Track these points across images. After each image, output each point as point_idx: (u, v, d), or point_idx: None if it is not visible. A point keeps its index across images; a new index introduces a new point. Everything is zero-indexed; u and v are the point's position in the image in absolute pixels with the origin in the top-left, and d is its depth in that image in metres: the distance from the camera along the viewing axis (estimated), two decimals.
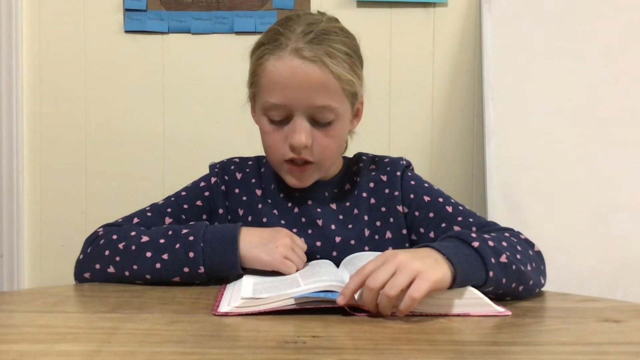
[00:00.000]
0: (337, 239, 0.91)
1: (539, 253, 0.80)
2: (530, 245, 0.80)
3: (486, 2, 1.53)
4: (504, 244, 0.74)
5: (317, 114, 0.85)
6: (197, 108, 1.61)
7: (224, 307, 0.66)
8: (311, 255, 0.86)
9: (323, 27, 0.84)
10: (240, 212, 0.95)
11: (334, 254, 0.90)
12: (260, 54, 0.86)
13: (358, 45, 0.90)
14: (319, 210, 0.93)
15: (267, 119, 0.87)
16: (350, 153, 1.03)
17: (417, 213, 0.91)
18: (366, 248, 0.91)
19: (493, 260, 0.69)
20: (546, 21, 1.49)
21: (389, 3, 1.59)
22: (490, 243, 0.71)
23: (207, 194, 0.95)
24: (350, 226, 0.92)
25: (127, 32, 1.61)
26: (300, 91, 0.83)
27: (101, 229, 0.87)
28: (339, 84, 0.84)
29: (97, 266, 0.82)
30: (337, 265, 0.84)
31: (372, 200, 0.94)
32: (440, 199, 0.92)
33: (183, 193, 0.96)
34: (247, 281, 0.74)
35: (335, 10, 1.56)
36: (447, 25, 1.59)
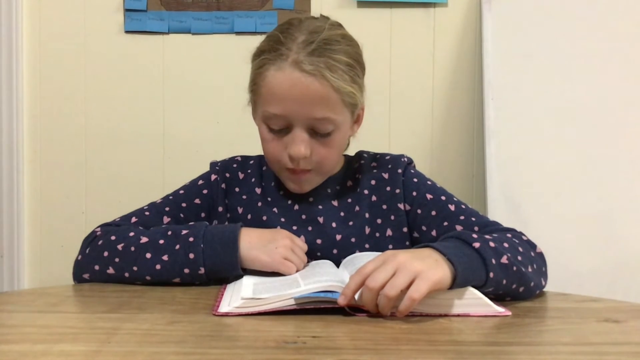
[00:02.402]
0: (338, 237, 0.91)
1: (540, 255, 0.80)
2: (532, 246, 0.80)
3: (486, 2, 1.53)
4: (506, 245, 0.74)
5: (316, 125, 0.85)
6: (197, 108, 1.61)
7: (224, 308, 0.66)
8: (311, 252, 0.86)
9: (325, 35, 0.84)
10: (240, 210, 0.95)
11: (335, 251, 0.90)
12: (260, 62, 0.86)
13: (360, 52, 0.89)
14: (320, 207, 0.93)
15: (266, 127, 0.88)
16: (350, 152, 1.03)
17: (419, 211, 0.91)
18: (366, 245, 0.91)
19: (494, 261, 0.69)
20: (546, 21, 1.49)
21: (389, 3, 1.59)
22: (492, 244, 0.71)
23: (205, 191, 0.95)
24: (351, 223, 0.92)
25: (127, 32, 1.61)
26: (300, 104, 0.83)
27: (99, 229, 0.87)
28: (338, 96, 0.84)
29: (96, 267, 0.82)
30: (338, 263, 0.85)
31: (374, 198, 0.94)
32: (443, 197, 0.91)
33: (181, 192, 0.96)
34: (247, 281, 0.74)
35: (335, 11, 1.58)
36: (447, 25, 1.59)
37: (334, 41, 0.84)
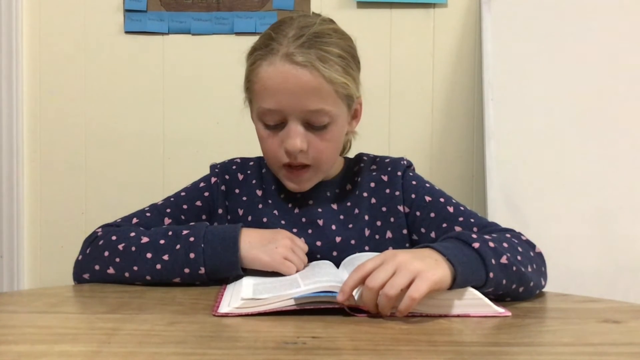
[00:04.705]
0: (338, 239, 0.91)
1: (540, 254, 0.80)
2: (532, 246, 0.80)
3: (486, 2, 1.53)
4: (505, 245, 0.74)
5: (311, 118, 0.85)
6: (197, 108, 1.61)
7: (224, 308, 0.66)
8: (311, 255, 0.86)
9: (316, 29, 0.84)
10: (240, 212, 0.95)
11: (334, 253, 0.90)
12: (253, 59, 0.87)
13: (354, 46, 0.90)
14: (319, 210, 0.93)
15: (262, 124, 0.88)
16: (350, 153, 1.03)
17: (418, 213, 0.91)
18: (366, 248, 0.91)
19: (493, 261, 0.69)
20: (546, 21, 1.49)
21: (389, 3, 1.59)
22: (491, 244, 0.71)
23: (206, 194, 0.95)
24: (350, 226, 0.92)
25: (127, 32, 1.61)
26: (293, 96, 0.83)
27: (100, 230, 0.87)
28: (331, 87, 0.83)
29: (97, 267, 0.82)
30: (338, 265, 0.85)
31: (373, 200, 0.94)
32: (442, 199, 0.92)
33: (182, 193, 0.96)
34: (247, 282, 0.74)
35: (335, 11, 1.58)
36: (447, 25, 1.59)
37: (325, 34, 0.85)
